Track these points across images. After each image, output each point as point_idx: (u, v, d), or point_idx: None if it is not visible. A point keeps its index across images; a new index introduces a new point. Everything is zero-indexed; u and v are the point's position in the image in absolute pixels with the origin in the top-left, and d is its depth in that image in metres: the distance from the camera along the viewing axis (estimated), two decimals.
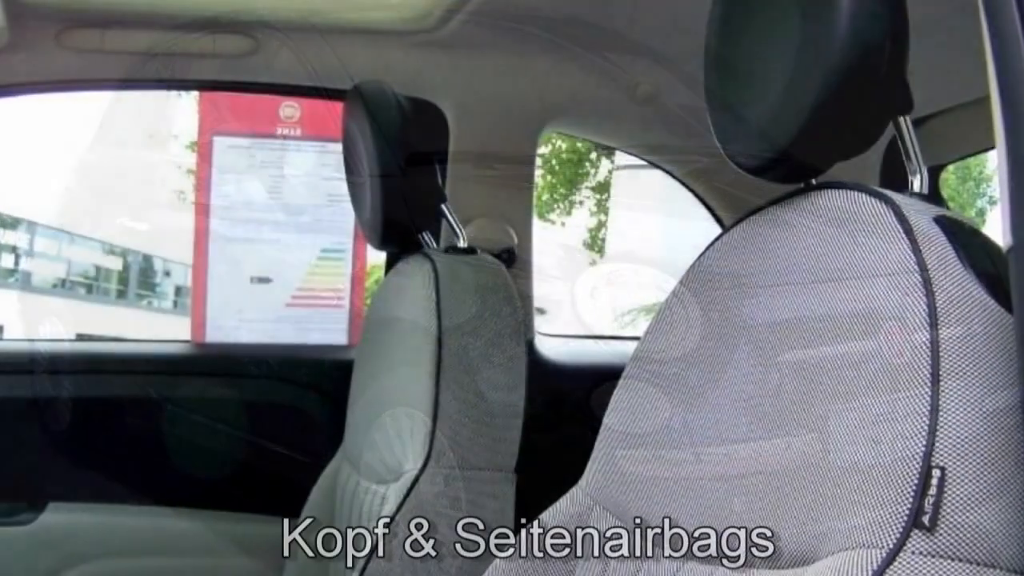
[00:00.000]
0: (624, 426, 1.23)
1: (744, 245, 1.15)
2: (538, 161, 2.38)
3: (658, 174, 2.64)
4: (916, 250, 0.92)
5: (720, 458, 1.07)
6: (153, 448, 2.25)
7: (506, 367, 1.79)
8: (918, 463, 0.84)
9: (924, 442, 0.84)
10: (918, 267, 0.91)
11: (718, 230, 2.36)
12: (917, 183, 1.04)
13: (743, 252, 1.14)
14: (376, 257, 2.50)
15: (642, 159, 2.65)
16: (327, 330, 2.50)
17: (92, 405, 2.28)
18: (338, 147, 2.11)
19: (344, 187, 2.09)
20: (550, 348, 2.45)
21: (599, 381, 1.35)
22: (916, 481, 0.84)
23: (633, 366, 1.25)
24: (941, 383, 0.85)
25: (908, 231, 0.94)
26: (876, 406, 0.89)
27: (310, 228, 2.47)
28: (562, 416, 2.05)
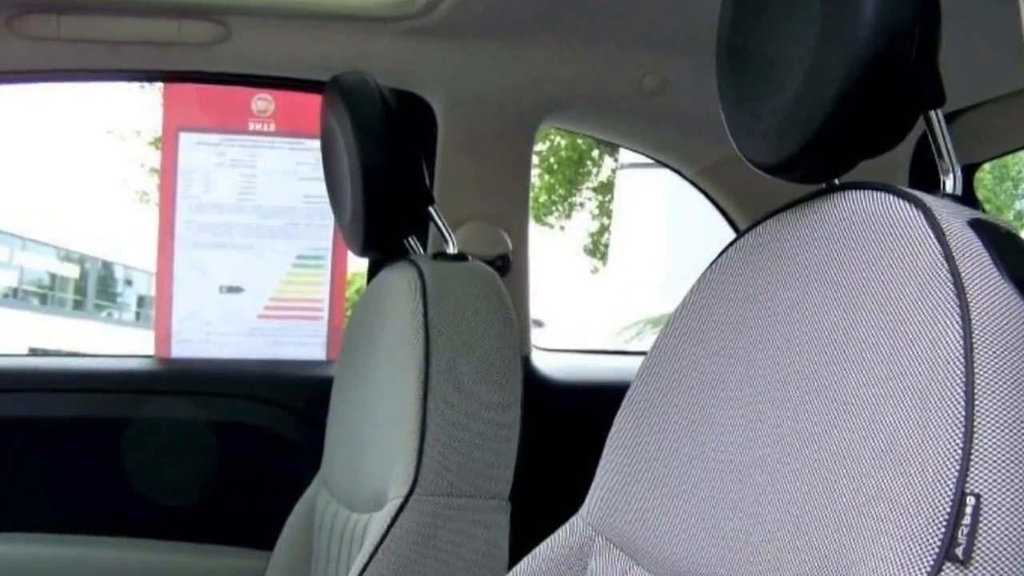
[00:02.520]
0: (629, 450, 1.23)
1: (759, 252, 1.15)
2: (535, 159, 2.38)
3: (666, 173, 2.64)
4: (949, 257, 0.92)
5: (735, 484, 1.07)
6: (113, 473, 2.25)
7: (500, 385, 1.79)
8: (951, 489, 0.84)
9: (957, 467, 0.84)
10: (951, 275, 0.91)
11: (731, 234, 2.36)
12: (950, 183, 1.04)
13: (758, 259, 1.14)
14: (357, 264, 2.50)
15: (648, 157, 2.66)
16: (304, 344, 2.49)
17: (47, 426, 2.27)
18: (316, 144, 2.11)
19: (322, 188, 2.09)
20: (548, 364, 2.45)
21: (601, 400, 1.34)
22: (948, 509, 0.84)
23: (639, 384, 1.25)
24: (976, 402, 0.85)
25: (940, 236, 0.94)
26: (904, 428, 0.89)
27: (285, 232, 2.47)
28: (561, 438, 2.05)
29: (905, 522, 0.86)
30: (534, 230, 2.47)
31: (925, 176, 1.07)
